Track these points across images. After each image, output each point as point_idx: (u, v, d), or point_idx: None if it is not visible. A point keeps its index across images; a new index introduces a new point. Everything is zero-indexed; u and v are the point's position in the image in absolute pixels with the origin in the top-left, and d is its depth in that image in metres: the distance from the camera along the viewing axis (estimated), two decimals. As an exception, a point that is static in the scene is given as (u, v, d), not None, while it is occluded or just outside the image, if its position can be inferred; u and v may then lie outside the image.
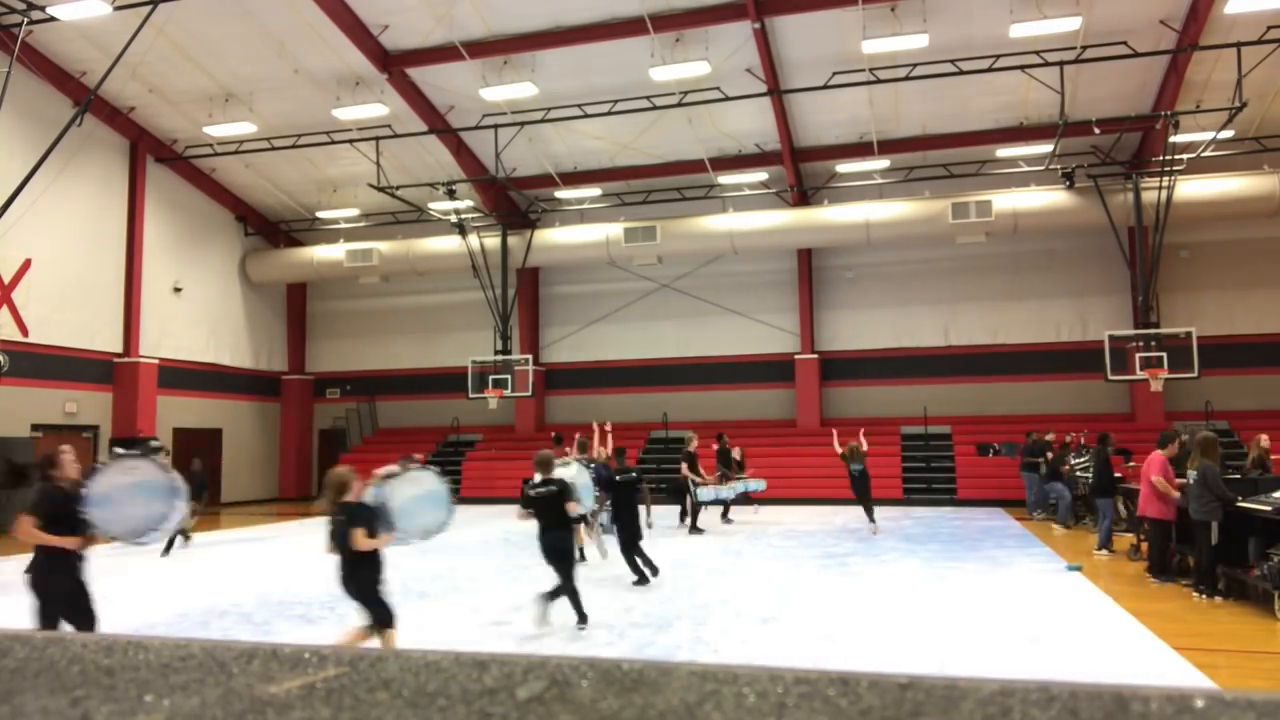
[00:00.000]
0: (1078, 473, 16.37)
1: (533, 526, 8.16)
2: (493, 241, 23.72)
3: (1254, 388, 20.98)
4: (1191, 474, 8.90)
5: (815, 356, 23.63)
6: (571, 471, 9.72)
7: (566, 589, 7.89)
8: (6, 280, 18.67)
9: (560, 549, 7.98)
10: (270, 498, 26.47)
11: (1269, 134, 19.54)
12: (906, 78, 17.71)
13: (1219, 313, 21.32)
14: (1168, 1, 16.66)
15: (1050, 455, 16.69)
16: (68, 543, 6.25)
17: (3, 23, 16.38)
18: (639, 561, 9.98)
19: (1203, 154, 18.52)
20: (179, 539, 13.91)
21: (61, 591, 6.14)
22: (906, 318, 23.50)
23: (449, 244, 24.00)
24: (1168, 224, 19.21)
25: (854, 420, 23.41)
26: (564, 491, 7.97)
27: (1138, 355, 18.80)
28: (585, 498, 10.16)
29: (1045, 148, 19.85)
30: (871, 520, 15.33)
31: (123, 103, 20.60)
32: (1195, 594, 8.77)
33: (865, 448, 15.59)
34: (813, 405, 23.48)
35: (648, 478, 16.09)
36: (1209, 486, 8.62)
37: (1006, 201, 20.53)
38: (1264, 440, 11.21)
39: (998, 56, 17.11)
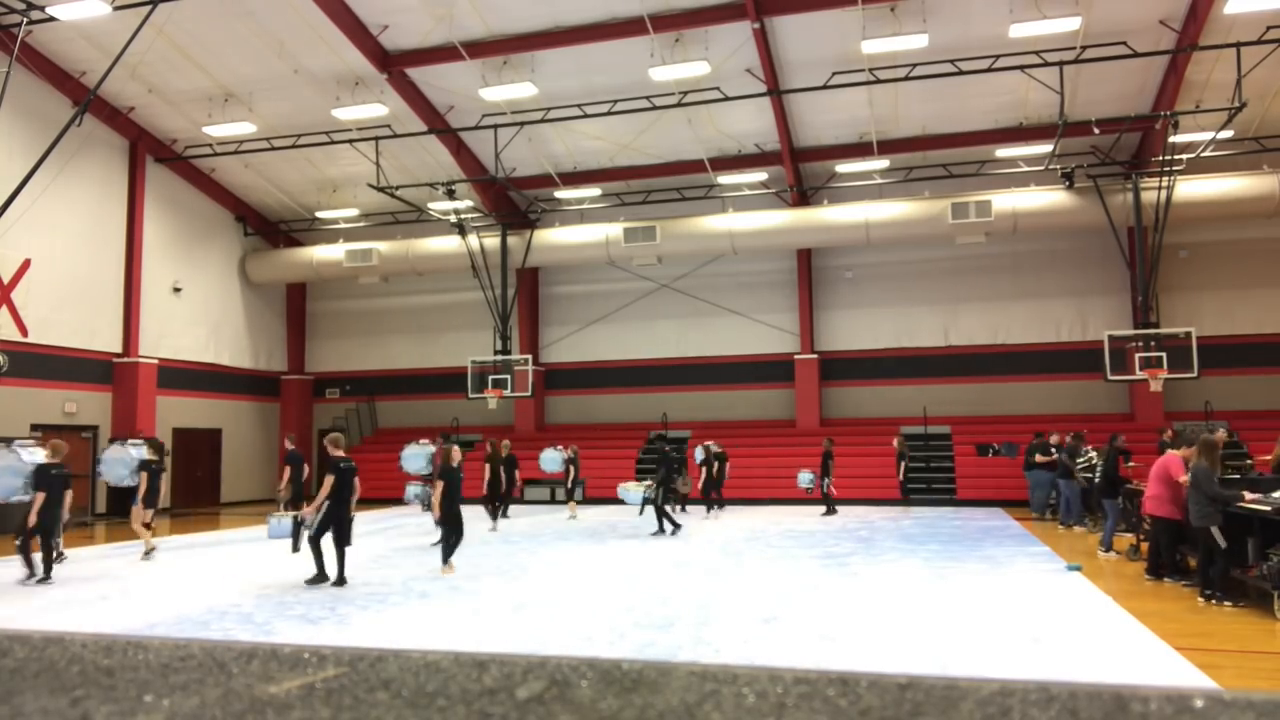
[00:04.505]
0: (1077, 473, 16.37)
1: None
2: (492, 241, 23.72)
3: (1254, 388, 20.98)
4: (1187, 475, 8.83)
5: (815, 356, 23.63)
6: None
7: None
8: (6, 280, 18.66)
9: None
10: (270, 498, 26.43)
11: (1269, 134, 19.54)
12: (906, 78, 17.72)
13: (1219, 313, 21.32)
14: (1167, 1, 16.66)
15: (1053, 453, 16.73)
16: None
17: (3, 23, 16.39)
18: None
19: (1202, 154, 18.53)
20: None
21: None
22: (906, 318, 23.50)
23: (449, 244, 24.00)
24: (1167, 224, 19.21)
25: (854, 420, 23.44)
26: None
27: (1137, 355, 18.80)
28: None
29: (1045, 148, 19.85)
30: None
31: (122, 103, 20.60)
32: (1201, 600, 8.67)
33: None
34: (812, 405, 23.48)
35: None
36: (1200, 489, 8.51)
37: (1006, 201, 20.53)
38: None
39: (997, 56, 17.11)
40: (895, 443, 19.35)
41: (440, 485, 10.74)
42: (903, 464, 18.91)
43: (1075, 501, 15.67)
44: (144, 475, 12.71)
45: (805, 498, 20.79)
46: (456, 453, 11.04)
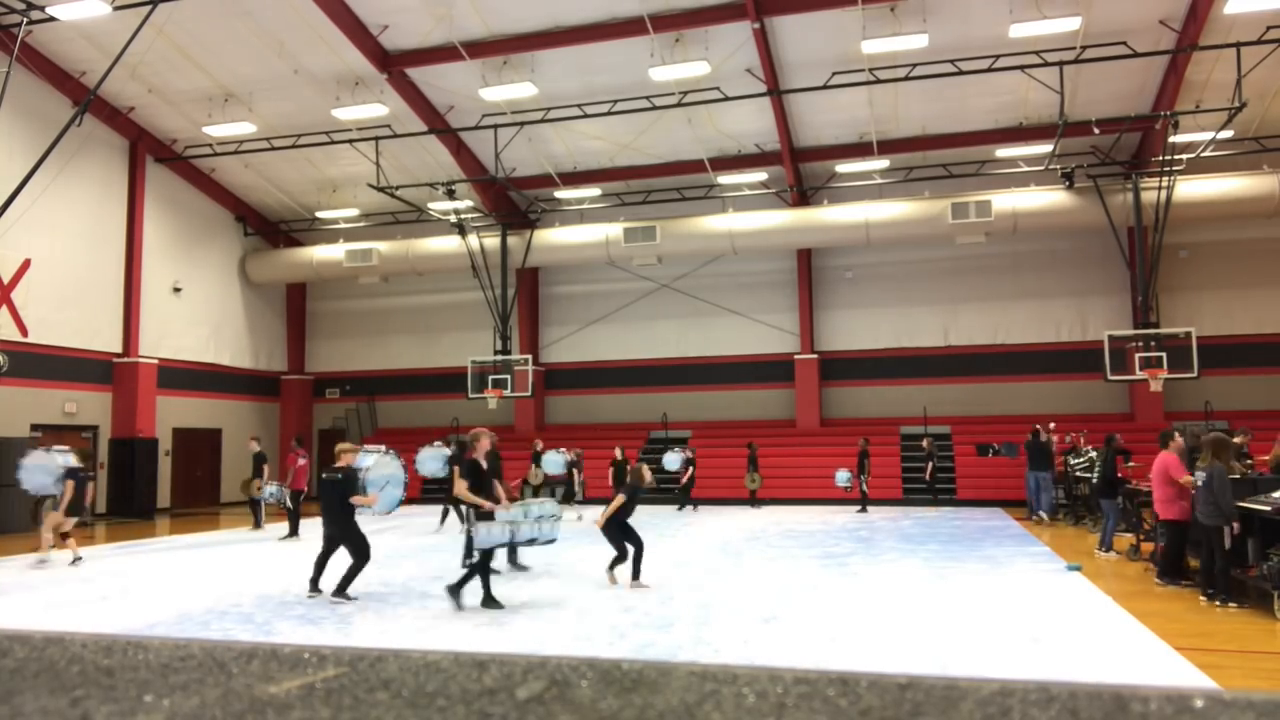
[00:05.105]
0: (1077, 473, 16.37)
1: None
2: (492, 241, 23.73)
3: (1254, 388, 20.98)
4: (1200, 475, 8.67)
5: (815, 356, 23.63)
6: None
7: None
8: (6, 280, 18.66)
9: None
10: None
11: (1269, 134, 19.54)
12: (906, 78, 17.71)
13: (1219, 313, 21.32)
14: (1168, 1, 16.66)
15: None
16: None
17: (3, 23, 16.39)
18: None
19: (1202, 154, 18.52)
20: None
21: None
22: (906, 318, 23.50)
23: (449, 244, 24.00)
24: (1167, 224, 19.21)
25: (854, 420, 23.44)
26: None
27: (1137, 355, 18.80)
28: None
29: (1045, 148, 19.85)
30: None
31: (122, 103, 20.60)
32: (1204, 599, 8.63)
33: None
34: (812, 405, 23.48)
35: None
36: (1213, 490, 8.44)
37: (1006, 201, 20.53)
38: None
39: (997, 56, 17.11)
40: (924, 444, 19.81)
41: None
42: (930, 464, 19.30)
43: (1047, 496, 16.17)
44: (70, 484, 12.25)
45: (804, 497, 20.80)
46: (647, 473, 10.06)
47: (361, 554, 9.20)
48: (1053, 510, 17.00)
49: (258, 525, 16.78)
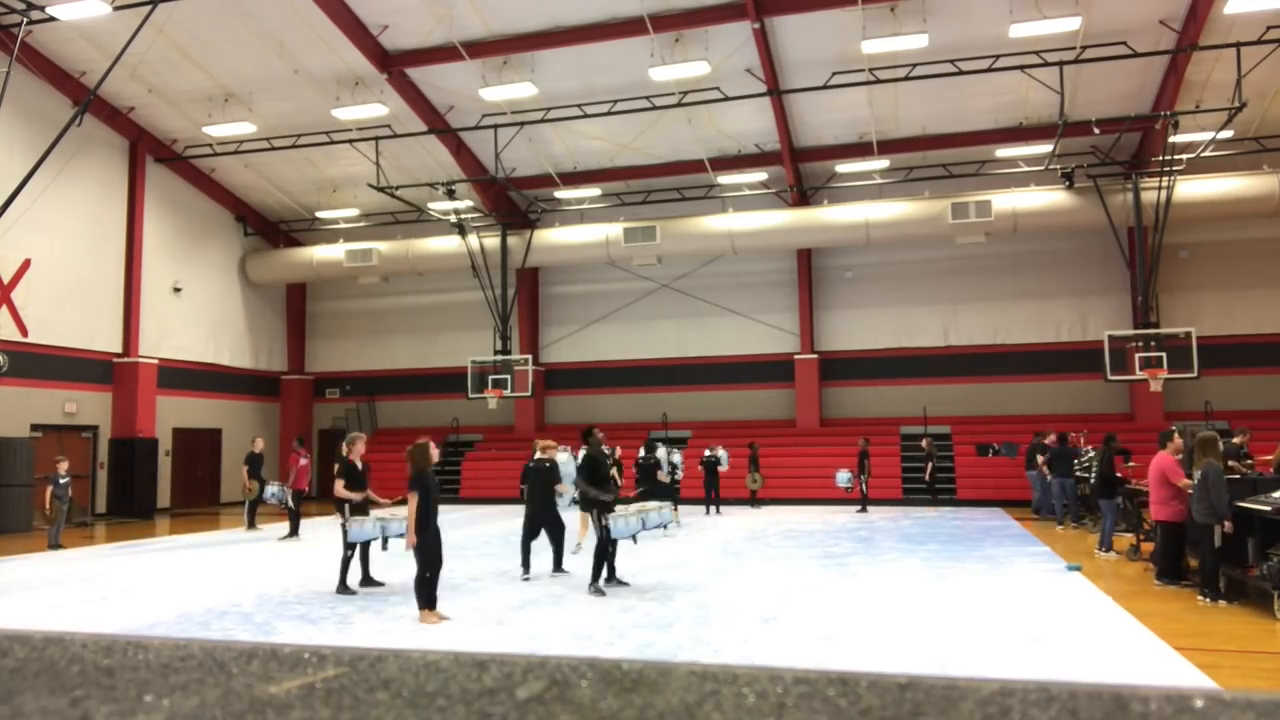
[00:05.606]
0: (1077, 473, 16.37)
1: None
2: (492, 241, 23.72)
3: (1254, 388, 20.98)
4: (1197, 474, 8.78)
5: (815, 356, 23.63)
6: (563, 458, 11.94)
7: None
8: (6, 280, 18.66)
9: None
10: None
11: (1269, 134, 19.54)
12: (906, 78, 17.71)
13: (1218, 313, 21.32)
14: (1168, 1, 16.66)
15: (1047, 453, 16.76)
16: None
17: (2, 23, 16.39)
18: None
19: (1202, 154, 18.52)
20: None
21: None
22: (906, 318, 23.50)
23: (449, 244, 24.00)
24: (1167, 224, 19.21)
25: (854, 420, 23.44)
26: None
27: (1137, 355, 18.80)
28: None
29: (1045, 148, 19.85)
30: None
31: (122, 103, 20.60)
32: (1200, 598, 8.69)
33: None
34: (812, 405, 23.48)
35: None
36: (1209, 488, 8.50)
37: (1006, 201, 20.53)
38: None
39: (997, 56, 17.10)
40: (924, 444, 19.89)
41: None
42: (930, 465, 19.32)
43: (1057, 500, 16.10)
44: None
45: (804, 497, 20.80)
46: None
47: (561, 533, 10.59)
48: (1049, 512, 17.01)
49: (250, 525, 16.69)
